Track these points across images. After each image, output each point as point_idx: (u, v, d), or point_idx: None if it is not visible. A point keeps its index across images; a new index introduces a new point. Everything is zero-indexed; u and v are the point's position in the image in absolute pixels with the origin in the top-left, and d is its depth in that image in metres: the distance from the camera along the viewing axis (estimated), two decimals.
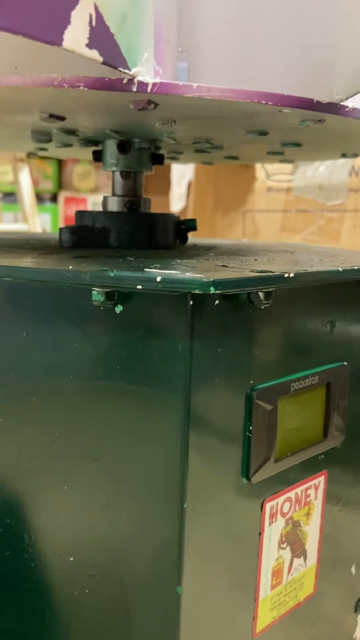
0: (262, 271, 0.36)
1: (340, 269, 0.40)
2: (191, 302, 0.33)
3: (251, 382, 0.37)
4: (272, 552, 0.42)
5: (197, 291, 0.31)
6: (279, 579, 0.43)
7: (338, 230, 1.10)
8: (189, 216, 1.25)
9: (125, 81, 0.32)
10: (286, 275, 0.35)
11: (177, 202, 1.36)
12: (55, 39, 0.27)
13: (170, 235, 0.55)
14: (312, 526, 0.45)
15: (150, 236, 0.54)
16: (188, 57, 0.39)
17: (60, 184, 2.57)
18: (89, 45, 0.29)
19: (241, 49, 0.39)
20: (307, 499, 0.44)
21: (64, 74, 0.33)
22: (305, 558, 0.45)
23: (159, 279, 0.32)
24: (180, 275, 0.32)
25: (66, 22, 0.28)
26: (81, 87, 0.33)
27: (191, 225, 0.57)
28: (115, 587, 0.38)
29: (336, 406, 0.44)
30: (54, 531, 0.40)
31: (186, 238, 0.59)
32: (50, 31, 0.27)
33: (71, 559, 0.39)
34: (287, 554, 0.43)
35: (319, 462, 0.44)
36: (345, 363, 0.45)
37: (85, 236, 0.53)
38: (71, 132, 0.49)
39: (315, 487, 0.44)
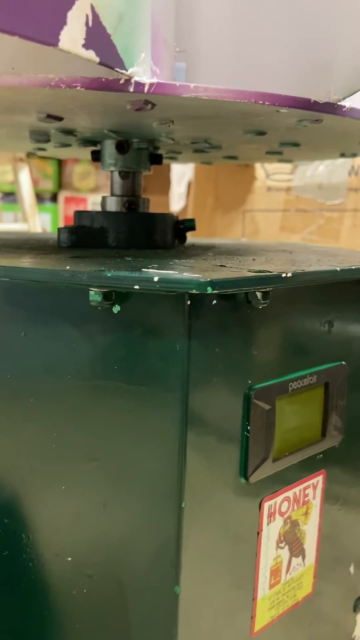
0: (259, 271, 0.36)
1: (338, 269, 0.40)
2: (189, 302, 0.33)
3: (249, 381, 0.37)
4: (270, 551, 0.42)
5: (194, 291, 0.31)
6: (277, 579, 0.43)
7: (338, 229, 1.10)
8: (189, 216, 1.25)
9: (122, 82, 0.32)
10: (284, 275, 0.35)
11: (177, 201, 1.36)
12: (51, 40, 0.27)
13: (168, 235, 0.55)
14: (311, 526, 0.45)
15: (149, 236, 0.54)
16: (186, 57, 0.39)
17: (61, 184, 2.57)
18: (86, 46, 0.29)
19: (239, 49, 0.39)
20: (306, 499, 0.44)
21: (61, 75, 0.33)
22: (303, 557, 0.45)
23: (156, 279, 0.32)
24: (178, 275, 0.32)
25: (62, 22, 0.28)
26: (78, 88, 0.33)
27: (190, 225, 0.57)
28: (113, 586, 0.38)
29: (334, 406, 0.44)
30: (52, 531, 0.40)
31: (185, 238, 0.59)
32: (46, 32, 0.27)
33: (69, 558, 0.39)
34: (285, 553, 0.43)
35: (318, 461, 0.44)
36: (343, 363, 0.45)
37: (83, 236, 0.53)
38: (69, 132, 0.50)
39: (314, 487, 0.44)
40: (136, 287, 0.32)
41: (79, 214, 0.55)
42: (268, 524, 0.41)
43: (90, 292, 0.34)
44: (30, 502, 0.41)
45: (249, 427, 0.37)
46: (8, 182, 2.23)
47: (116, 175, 0.55)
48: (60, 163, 2.53)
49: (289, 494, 0.42)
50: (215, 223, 1.21)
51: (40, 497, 0.40)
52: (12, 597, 0.42)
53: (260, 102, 0.36)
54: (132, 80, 0.32)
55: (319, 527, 0.46)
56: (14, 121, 0.46)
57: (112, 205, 0.56)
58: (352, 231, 1.09)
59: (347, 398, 0.45)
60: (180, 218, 0.58)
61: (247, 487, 0.39)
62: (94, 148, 0.57)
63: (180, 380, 0.34)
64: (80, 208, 2.16)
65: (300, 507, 0.44)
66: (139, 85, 0.33)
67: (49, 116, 0.41)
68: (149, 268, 0.35)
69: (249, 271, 0.36)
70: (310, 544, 0.45)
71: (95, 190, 2.51)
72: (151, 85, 0.33)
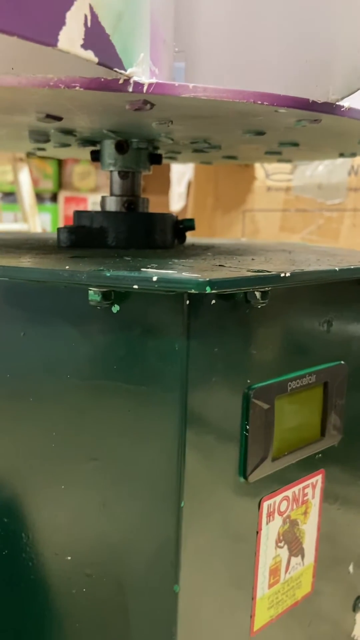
0: (258, 271, 0.36)
1: (337, 269, 0.40)
2: (188, 302, 0.33)
3: (248, 381, 0.37)
4: (269, 550, 0.42)
5: (193, 291, 0.31)
6: (277, 578, 0.43)
7: (337, 229, 1.10)
8: (189, 215, 1.25)
9: (121, 82, 0.33)
10: (282, 274, 0.35)
11: (176, 201, 1.36)
12: (50, 40, 0.27)
13: (168, 235, 0.55)
14: (310, 525, 0.45)
15: (148, 236, 0.54)
16: (185, 57, 0.39)
17: (61, 184, 2.57)
18: (84, 46, 0.29)
19: (238, 49, 0.39)
20: (305, 498, 0.44)
21: (60, 75, 0.33)
22: (302, 557, 0.45)
23: (155, 278, 0.32)
24: (177, 275, 0.32)
25: (61, 22, 0.28)
26: (77, 88, 0.33)
27: (189, 224, 0.58)
28: (112, 586, 0.38)
29: (333, 405, 0.44)
30: (52, 530, 0.40)
31: (184, 238, 0.59)
32: (45, 32, 0.27)
33: (68, 558, 0.39)
34: (284, 552, 0.43)
35: (317, 461, 0.44)
36: (342, 362, 0.45)
37: (83, 236, 0.53)
38: (69, 132, 0.50)
39: (313, 486, 0.45)
40: (135, 286, 0.32)
41: (78, 214, 0.55)
42: (267, 523, 0.41)
43: (90, 291, 0.34)
44: (30, 502, 0.41)
45: (248, 427, 0.37)
46: (8, 182, 2.24)
47: (115, 175, 0.55)
48: (60, 163, 2.53)
49: (288, 493, 0.42)
50: (215, 223, 1.21)
51: (40, 496, 0.40)
52: (11, 596, 0.42)
53: (259, 102, 0.36)
54: (131, 80, 0.32)
55: (318, 526, 0.46)
56: (13, 121, 0.46)
57: (112, 205, 0.56)
58: (352, 231, 1.09)
59: (346, 397, 0.45)
60: (180, 218, 0.58)
61: (246, 486, 0.39)
62: (93, 148, 0.57)
63: (180, 380, 0.34)
64: (81, 208, 2.16)
65: (299, 506, 0.44)
66: (138, 85, 0.33)
67: (48, 116, 0.41)
68: (148, 268, 0.35)
69: (248, 271, 0.36)
70: (310, 543, 0.45)
71: (95, 190, 2.51)
72: (150, 85, 0.33)
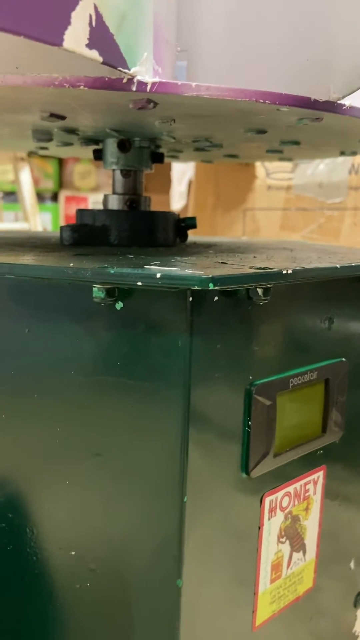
0: (260, 268, 0.36)
1: (338, 266, 0.41)
2: (190, 299, 0.33)
3: (250, 377, 0.38)
4: (271, 546, 0.42)
5: (196, 287, 0.32)
6: (278, 573, 0.43)
7: (338, 228, 1.10)
8: (190, 214, 1.25)
9: (124, 81, 0.33)
10: (284, 271, 0.36)
11: (177, 200, 1.36)
12: (55, 40, 0.28)
13: (170, 233, 0.55)
14: (311, 521, 0.45)
15: (151, 234, 0.54)
16: (187, 56, 0.40)
17: (61, 183, 2.58)
18: (89, 46, 0.29)
19: (239, 48, 0.40)
20: (306, 494, 0.44)
21: (64, 74, 0.33)
22: (304, 552, 0.45)
23: (158, 275, 0.32)
24: (180, 272, 0.32)
25: (66, 22, 0.28)
26: (81, 87, 0.33)
27: (191, 223, 0.58)
28: (116, 580, 0.38)
29: (335, 402, 0.45)
30: (56, 525, 0.40)
31: (186, 236, 0.59)
32: (51, 32, 0.27)
33: (72, 553, 0.40)
34: (286, 548, 0.43)
35: (318, 457, 0.45)
36: (343, 359, 0.45)
37: (86, 234, 0.53)
38: (72, 131, 0.50)
39: (314, 482, 0.45)
40: (139, 283, 0.33)
41: (81, 212, 0.55)
42: (269, 519, 0.41)
43: (94, 288, 0.34)
44: (34, 497, 0.41)
45: (250, 423, 0.38)
46: (9, 182, 2.24)
47: (118, 173, 0.55)
48: (60, 162, 2.54)
49: (290, 489, 0.43)
50: (216, 221, 1.22)
51: (44, 492, 0.41)
52: (16, 590, 0.43)
53: (261, 100, 0.36)
54: (135, 80, 0.33)
55: (320, 522, 0.46)
56: (17, 120, 0.46)
57: (114, 203, 0.56)
58: (353, 229, 1.09)
59: (347, 394, 0.46)
60: (182, 216, 0.58)
61: (248, 482, 0.39)
62: (95, 147, 0.57)
63: (182, 376, 0.34)
64: (81, 207, 2.16)
65: (301, 502, 0.44)
66: (142, 84, 0.33)
67: (52, 115, 0.41)
68: (151, 265, 0.35)
69: (250, 268, 0.36)
70: (311, 539, 0.46)
71: (95, 190, 2.51)
72: (153, 84, 0.33)
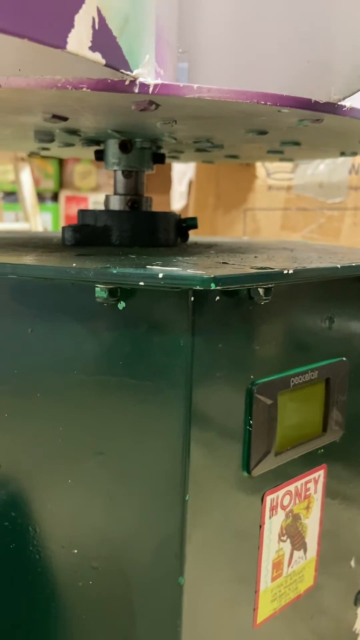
0: (261, 268, 0.36)
1: (339, 266, 0.41)
2: (192, 298, 0.34)
3: (251, 376, 0.38)
4: (272, 544, 0.42)
5: (198, 287, 0.32)
6: (279, 571, 0.43)
7: (338, 228, 1.11)
8: (190, 214, 1.26)
9: (127, 83, 0.33)
10: (285, 271, 0.36)
11: (178, 200, 1.37)
12: (59, 42, 0.28)
13: (171, 233, 0.56)
14: (312, 519, 0.46)
15: (152, 234, 0.54)
16: (188, 58, 0.40)
17: (61, 183, 2.58)
18: (92, 48, 0.29)
19: (240, 49, 0.40)
20: (307, 493, 0.45)
21: (67, 76, 0.33)
22: (305, 551, 0.46)
23: (160, 275, 0.32)
24: (182, 272, 0.33)
25: (70, 25, 0.28)
26: (84, 89, 0.33)
27: (192, 223, 0.58)
28: (118, 578, 0.39)
29: (335, 401, 0.45)
30: (58, 524, 0.41)
31: (187, 236, 0.59)
32: (54, 35, 0.28)
33: (75, 551, 0.40)
34: (287, 546, 0.44)
35: (319, 456, 0.45)
36: (344, 359, 0.45)
37: (87, 234, 0.53)
38: (73, 132, 0.50)
39: (315, 481, 0.45)
40: (141, 283, 0.33)
41: (82, 213, 0.55)
42: (270, 517, 0.42)
43: (96, 288, 0.34)
44: (37, 496, 0.41)
45: (251, 422, 0.38)
46: (9, 182, 2.24)
47: (119, 174, 0.56)
48: (61, 162, 2.54)
49: (291, 487, 0.43)
50: (216, 222, 1.22)
51: (47, 490, 0.41)
52: (19, 589, 0.43)
53: (262, 102, 0.36)
54: (137, 82, 0.33)
55: (320, 521, 0.46)
56: (19, 121, 0.46)
57: (116, 204, 0.56)
58: (353, 229, 1.09)
59: (347, 393, 0.46)
60: (182, 217, 0.58)
61: (249, 480, 0.39)
62: (97, 148, 0.57)
63: (184, 375, 0.34)
64: (81, 207, 2.16)
65: (301, 500, 0.44)
66: (144, 86, 0.33)
67: (55, 116, 0.42)
68: (153, 265, 0.36)
69: (251, 268, 0.36)
70: (312, 537, 0.46)
71: (96, 190, 2.51)
72: (156, 86, 0.33)
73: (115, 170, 0.56)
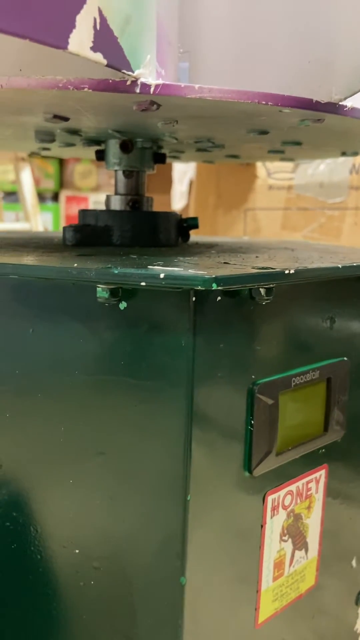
0: (263, 268, 0.36)
1: (340, 266, 0.41)
2: (194, 299, 0.34)
3: (253, 376, 0.38)
4: (273, 544, 0.42)
5: (199, 287, 0.32)
6: (281, 571, 0.44)
7: (339, 227, 1.11)
8: (191, 214, 1.26)
9: (128, 83, 0.33)
10: (287, 271, 0.36)
11: (178, 200, 1.37)
12: (61, 43, 0.28)
13: (172, 233, 0.56)
14: (313, 519, 0.46)
15: (153, 234, 0.54)
16: (189, 58, 0.40)
17: (62, 183, 2.58)
18: (94, 48, 0.29)
19: (241, 49, 0.40)
20: (308, 492, 0.45)
21: (68, 76, 0.33)
22: (306, 550, 0.46)
23: (162, 275, 0.32)
24: (183, 272, 0.33)
25: (71, 26, 0.28)
26: (85, 89, 0.33)
27: (193, 223, 0.58)
28: (119, 578, 0.39)
29: (336, 401, 0.45)
30: (60, 524, 0.41)
31: (188, 236, 0.59)
32: (56, 35, 0.28)
33: (76, 551, 0.40)
34: (288, 546, 0.44)
35: (320, 456, 0.45)
36: (345, 358, 0.45)
37: (88, 234, 0.53)
38: (74, 132, 0.50)
39: (316, 481, 0.45)
40: (143, 283, 0.33)
41: (83, 213, 0.55)
42: (272, 517, 0.42)
43: (98, 288, 0.34)
44: (39, 496, 0.41)
45: (252, 422, 0.38)
46: (10, 182, 2.24)
47: (120, 174, 0.56)
48: (61, 162, 2.54)
49: (292, 487, 0.43)
50: (217, 221, 1.22)
51: (48, 490, 0.41)
52: (21, 588, 0.43)
53: (264, 102, 0.36)
54: (139, 82, 0.33)
55: (322, 520, 0.47)
56: (20, 121, 0.46)
57: (117, 204, 0.56)
58: (353, 229, 1.09)
59: (349, 393, 0.46)
60: (183, 216, 0.58)
61: (251, 480, 0.39)
62: (98, 148, 0.57)
63: (186, 376, 0.35)
64: (82, 207, 2.16)
65: (303, 500, 0.44)
66: (145, 86, 0.33)
67: (56, 117, 0.42)
68: (154, 265, 0.36)
69: (252, 268, 0.36)
70: (313, 537, 0.46)
71: (96, 189, 2.52)
72: (157, 86, 0.33)
73: (116, 170, 0.56)
